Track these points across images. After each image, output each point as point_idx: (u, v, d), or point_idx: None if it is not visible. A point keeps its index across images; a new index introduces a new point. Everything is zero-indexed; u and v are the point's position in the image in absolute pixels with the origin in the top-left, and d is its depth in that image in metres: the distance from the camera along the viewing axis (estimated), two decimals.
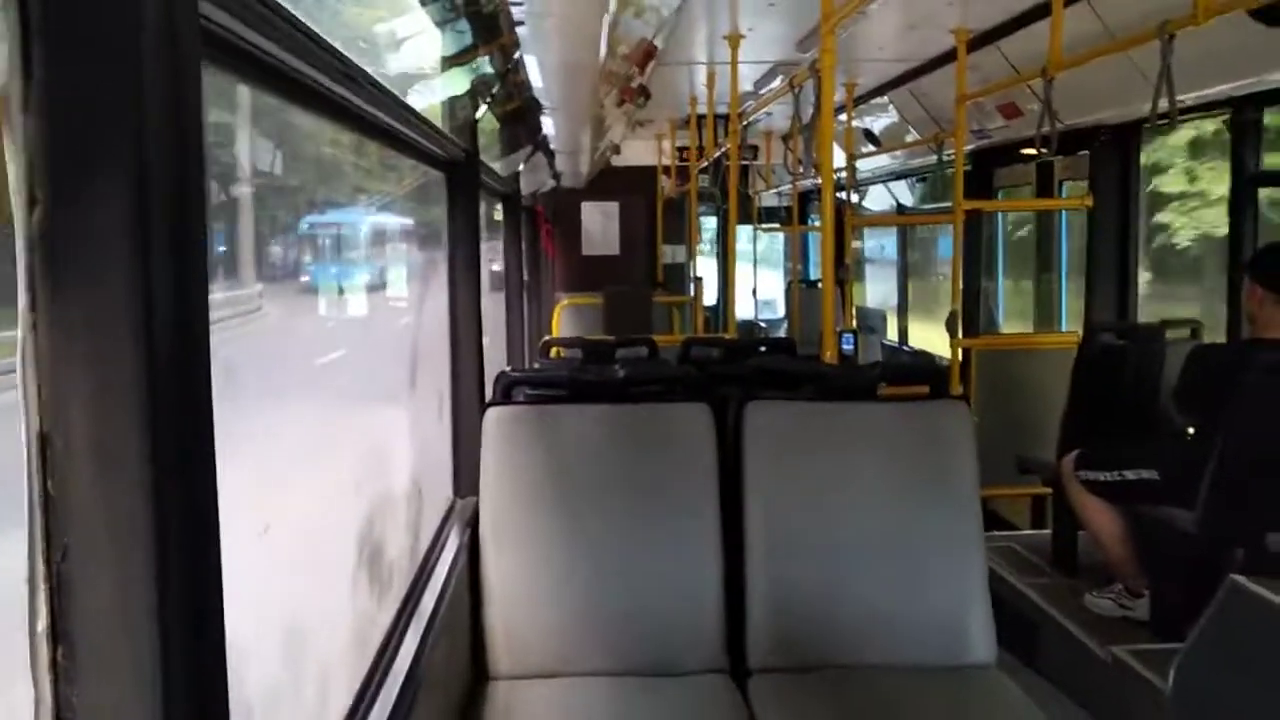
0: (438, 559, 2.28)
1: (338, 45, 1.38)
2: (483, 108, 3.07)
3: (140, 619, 0.72)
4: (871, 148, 7.29)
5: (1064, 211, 5.61)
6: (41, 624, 0.70)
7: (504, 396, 2.61)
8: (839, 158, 6.56)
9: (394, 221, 3.78)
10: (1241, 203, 4.05)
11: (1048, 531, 4.10)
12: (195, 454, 0.79)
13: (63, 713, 0.71)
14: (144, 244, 0.72)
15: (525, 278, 5.88)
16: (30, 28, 0.67)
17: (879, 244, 9.53)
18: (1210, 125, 4.66)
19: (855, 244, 9.08)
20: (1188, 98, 3.58)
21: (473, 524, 2.46)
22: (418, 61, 2.79)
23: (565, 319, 8.25)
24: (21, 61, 0.67)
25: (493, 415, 2.51)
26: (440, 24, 2.67)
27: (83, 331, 0.70)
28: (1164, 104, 3.40)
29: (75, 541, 0.71)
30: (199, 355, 0.80)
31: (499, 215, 5.15)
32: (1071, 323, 5.49)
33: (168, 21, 0.73)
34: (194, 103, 0.79)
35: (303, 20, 1.21)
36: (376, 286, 3.49)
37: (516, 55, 3.65)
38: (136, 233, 0.72)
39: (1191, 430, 3.40)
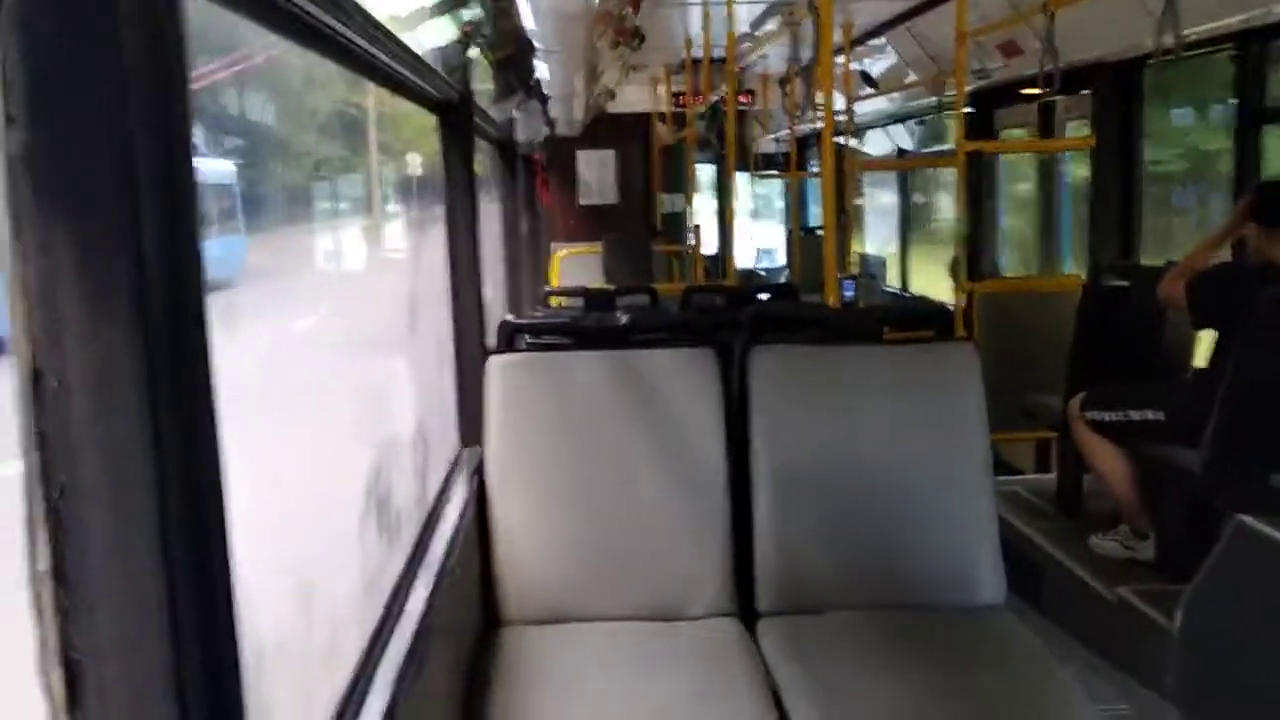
0: (445, 508, 2.27)
1: None
2: (475, 51, 3.00)
3: (143, 556, 0.70)
4: (870, 90, 7.19)
5: (1067, 152, 5.54)
6: (42, 564, 0.68)
7: (507, 344, 2.58)
8: (838, 102, 6.48)
9: None
10: (1247, 139, 3.99)
11: (1053, 475, 4.11)
12: (195, 384, 0.77)
13: (69, 652, 0.69)
14: (129, 166, 0.69)
15: (523, 227, 5.82)
16: None
17: (880, 190, 9.45)
18: None
19: (862, 193, 9.01)
20: (1192, 32, 3.51)
21: (479, 472, 2.44)
22: (409, 3, 2.72)
23: (564, 269, 8.21)
24: None
25: (496, 363, 2.48)
26: None
27: (71, 259, 0.67)
28: (1168, 39, 3.34)
29: (73, 479, 0.68)
30: (193, 281, 0.77)
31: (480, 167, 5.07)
32: (1076, 266, 5.45)
33: None
34: (176, 25, 0.75)
35: None
36: None
37: None
38: (122, 155, 0.69)
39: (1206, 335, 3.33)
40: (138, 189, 0.69)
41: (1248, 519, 1.99)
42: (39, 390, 0.67)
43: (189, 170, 0.76)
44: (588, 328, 2.69)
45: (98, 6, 0.67)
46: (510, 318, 2.68)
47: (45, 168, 0.66)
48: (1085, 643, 2.61)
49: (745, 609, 2.41)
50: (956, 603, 2.40)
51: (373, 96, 2.76)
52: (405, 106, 2.56)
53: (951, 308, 4.43)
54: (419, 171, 3.35)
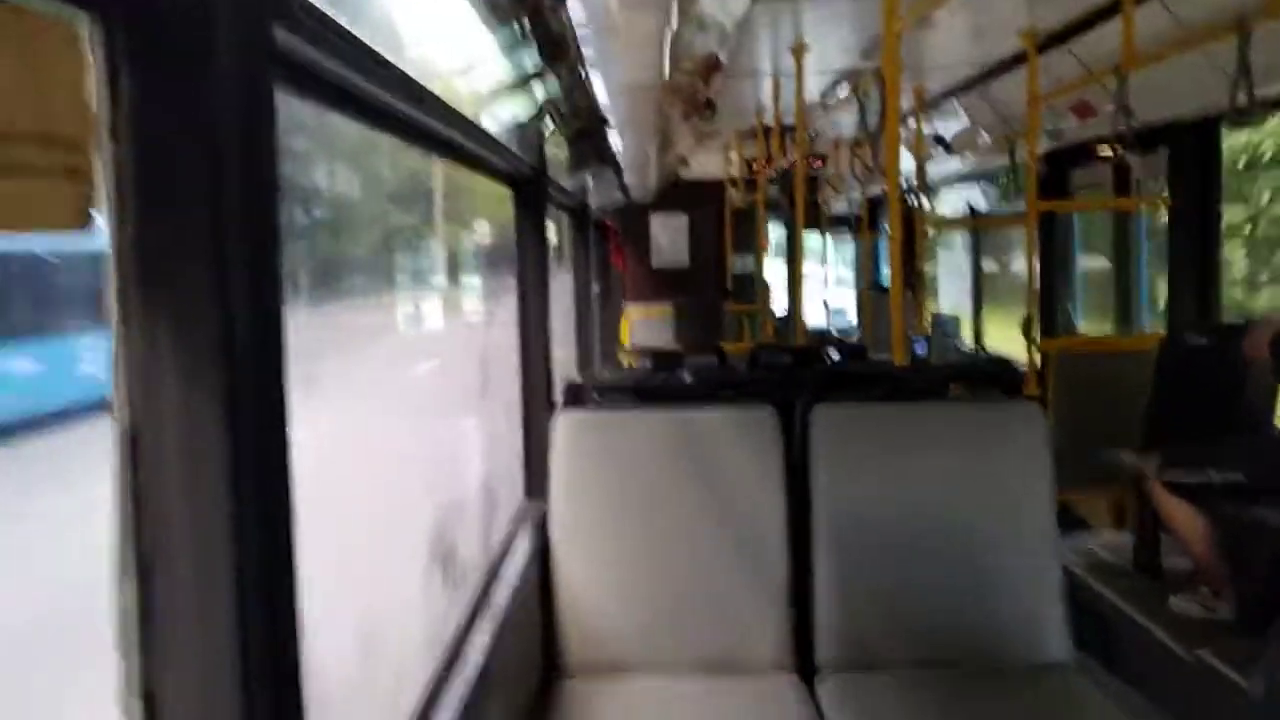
0: (508, 559, 2.34)
1: (409, 72, 1.45)
2: (550, 125, 3.14)
3: (221, 602, 0.79)
4: (941, 152, 7.20)
5: (1143, 211, 5.47)
6: (129, 606, 0.77)
7: (573, 403, 2.67)
8: (908, 162, 6.51)
9: None
10: None
11: (1129, 533, 4.01)
12: (273, 450, 0.86)
13: (149, 685, 0.77)
14: (222, 256, 0.79)
15: (595, 290, 5.95)
16: (117, 59, 0.74)
17: (958, 249, 9.39)
18: None
19: (935, 253, 8.96)
20: (1269, 91, 3.48)
21: (543, 525, 2.51)
22: (488, 82, 2.86)
23: (636, 330, 8.32)
24: (109, 91, 0.74)
25: (562, 420, 2.57)
26: (508, 48, 2.74)
27: (168, 338, 0.77)
28: (1243, 98, 3.32)
29: (163, 528, 0.77)
30: (276, 359, 0.86)
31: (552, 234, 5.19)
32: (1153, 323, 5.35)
33: (241, 48, 0.80)
34: (267, 123, 0.86)
35: (373, 46, 1.28)
36: None
37: (582, 74, 3.73)
38: (215, 246, 0.79)
39: None
40: (229, 274, 0.79)
41: None
42: (135, 449, 0.77)
43: (276, 256, 0.86)
44: (652, 386, 2.76)
45: (196, 114, 0.78)
46: (576, 379, 2.77)
47: (149, 260, 0.76)
48: (1161, 704, 2.53)
49: (804, 665, 2.41)
50: (1021, 661, 2.37)
51: (439, 163, 2.80)
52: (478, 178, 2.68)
53: (1022, 366, 4.38)
54: (488, 239, 3.41)
